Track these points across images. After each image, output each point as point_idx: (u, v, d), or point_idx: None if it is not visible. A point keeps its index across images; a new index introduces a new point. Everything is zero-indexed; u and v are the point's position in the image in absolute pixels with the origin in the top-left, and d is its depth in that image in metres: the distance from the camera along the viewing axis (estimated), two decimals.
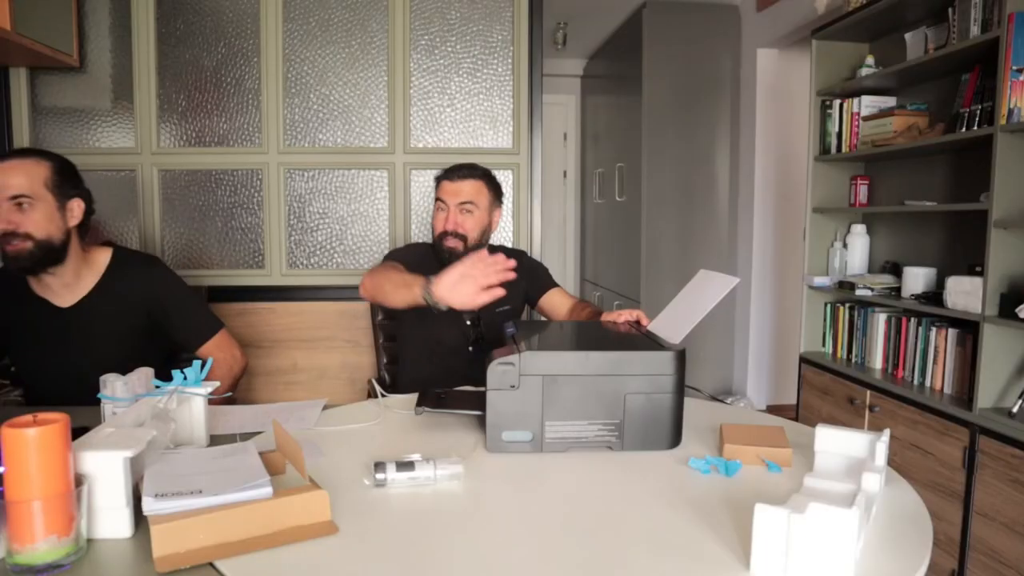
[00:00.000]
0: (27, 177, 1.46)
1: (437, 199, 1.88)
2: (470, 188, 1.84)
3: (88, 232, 1.61)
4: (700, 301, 1.27)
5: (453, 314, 1.47)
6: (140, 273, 1.64)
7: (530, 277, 1.99)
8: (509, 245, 2.65)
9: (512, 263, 1.34)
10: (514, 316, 1.92)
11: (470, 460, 1.07)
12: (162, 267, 1.70)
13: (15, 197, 1.45)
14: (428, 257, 1.89)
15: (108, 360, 1.39)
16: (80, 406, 1.28)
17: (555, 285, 2.01)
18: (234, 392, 1.75)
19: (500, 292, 1.33)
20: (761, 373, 4.08)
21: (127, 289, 1.61)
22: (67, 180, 1.52)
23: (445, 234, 1.83)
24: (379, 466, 0.97)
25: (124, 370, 1.15)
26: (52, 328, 1.58)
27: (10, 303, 1.59)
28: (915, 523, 0.88)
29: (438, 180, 1.90)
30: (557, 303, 1.96)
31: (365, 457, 1.08)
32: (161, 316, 1.65)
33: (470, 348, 1.69)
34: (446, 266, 1.63)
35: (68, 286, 1.57)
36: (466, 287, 1.32)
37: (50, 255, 1.49)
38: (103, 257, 1.62)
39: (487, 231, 1.90)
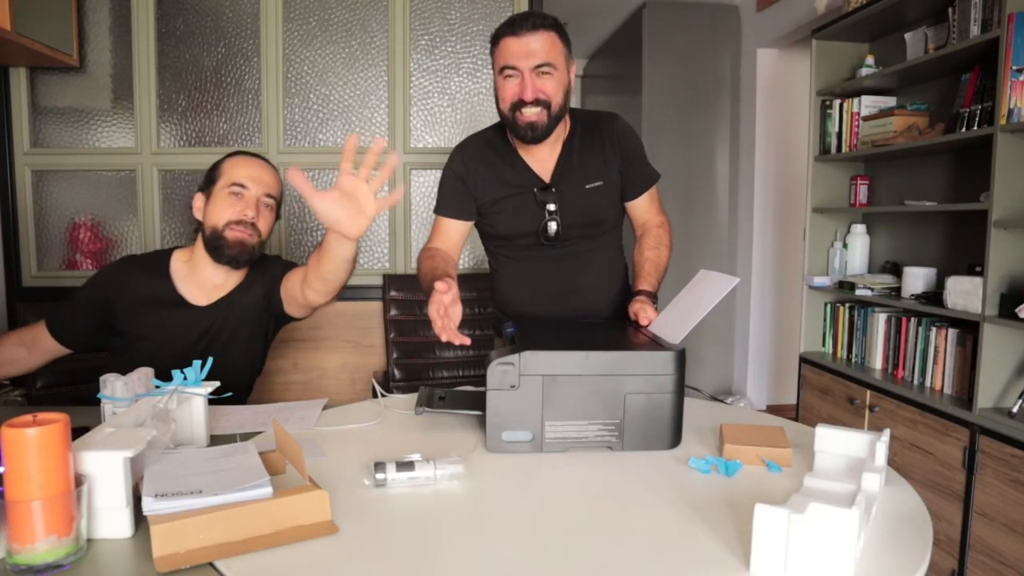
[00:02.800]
0: (275, 179, 1.58)
1: (502, 67, 1.45)
2: (543, 44, 1.42)
3: None
4: (700, 301, 1.26)
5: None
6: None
7: (631, 156, 1.60)
8: None
9: (467, 340, 1.19)
10: (606, 194, 1.59)
11: (470, 460, 1.07)
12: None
13: (268, 196, 1.55)
14: (491, 148, 1.59)
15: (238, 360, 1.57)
16: (81, 406, 1.28)
17: (654, 180, 1.64)
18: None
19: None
20: (761, 373, 4.08)
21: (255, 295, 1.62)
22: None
23: (521, 104, 1.44)
24: (379, 466, 0.97)
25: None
26: (189, 326, 1.56)
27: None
28: (915, 523, 0.88)
29: (496, 39, 1.47)
30: (638, 212, 1.65)
31: (365, 457, 1.08)
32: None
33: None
34: (532, 142, 1.49)
35: (218, 288, 1.57)
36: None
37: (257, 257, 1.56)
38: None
39: (569, 95, 1.51)
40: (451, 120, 2.67)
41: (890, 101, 2.69)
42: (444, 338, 1.20)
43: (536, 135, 1.47)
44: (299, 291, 1.53)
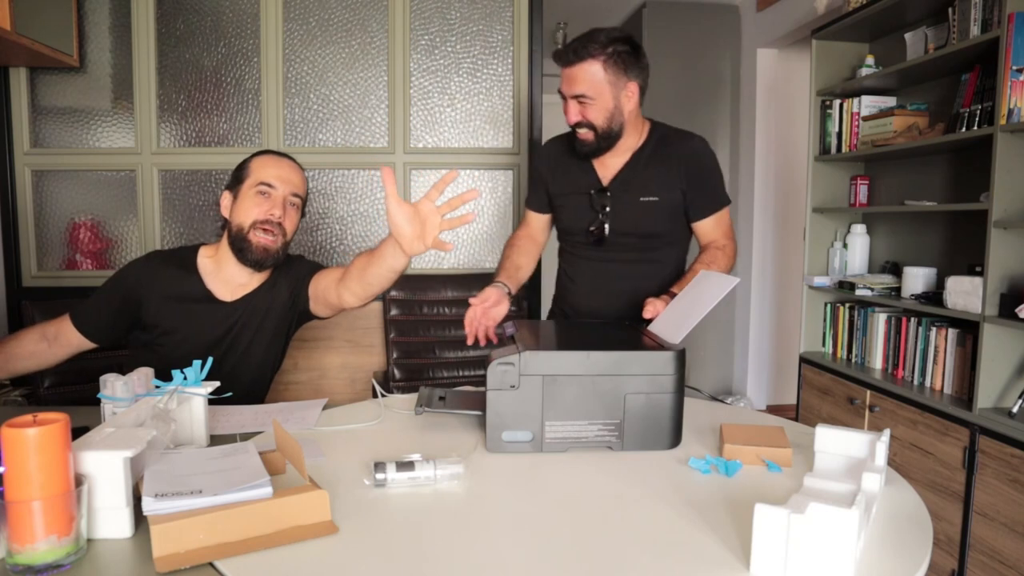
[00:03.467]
0: (302, 178, 1.59)
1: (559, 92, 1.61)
2: (582, 75, 1.55)
3: None
4: (700, 301, 1.26)
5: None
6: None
7: (698, 179, 1.65)
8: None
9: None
10: (660, 212, 1.65)
11: (470, 460, 1.07)
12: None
13: (294, 195, 1.56)
14: (570, 148, 1.69)
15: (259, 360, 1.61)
16: (82, 406, 1.28)
17: (724, 205, 1.68)
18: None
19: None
20: (761, 373, 4.08)
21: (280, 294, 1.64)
22: None
23: (575, 125, 1.61)
24: (379, 466, 0.97)
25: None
26: (216, 321, 1.57)
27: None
28: (915, 523, 0.88)
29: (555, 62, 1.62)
30: (702, 233, 1.70)
31: (365, 457, 1.08)
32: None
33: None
34: (584, 157, 1.67)
35: (243, 285, 1.59)
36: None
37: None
38: None
39: (617, 115, 1.59)
40: (451, 120, 2.67)
41: (890, 101, 2.69)
42: (469, 341, 1.51)
43: (585, 151, 1.63)
44: (333, 291, 1.56)
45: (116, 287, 1.54)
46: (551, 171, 1.76)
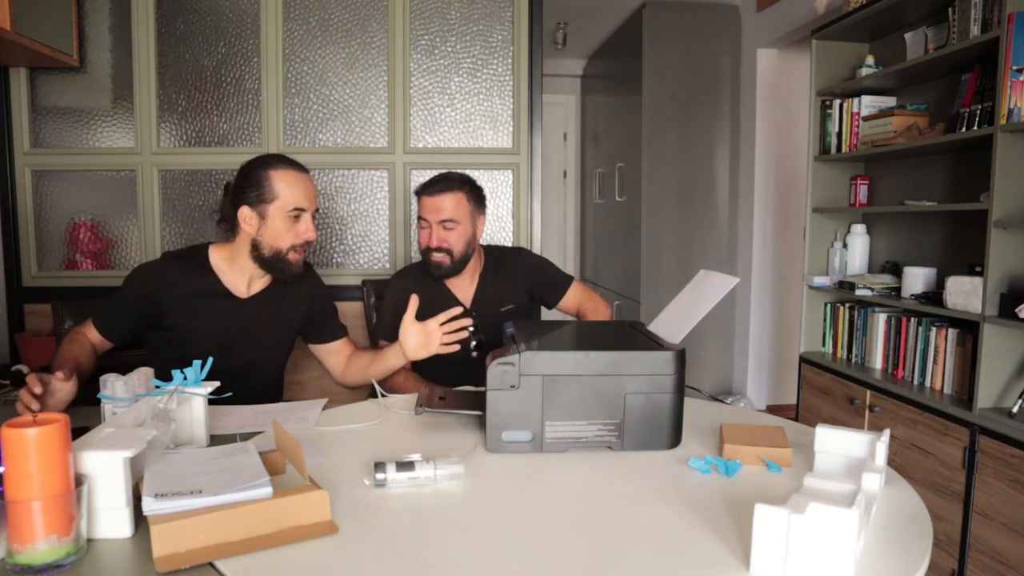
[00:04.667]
0: (316, 188, 1.65)
1: (420, 216, 1.84)
2: (450, 203, 1.80)
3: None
4: (700, 301, 1.27)
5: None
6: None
7: (537, 279, 1.99)
8: (510, 243, 2.65)
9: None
10: (517, 315, 1.92)
11: (470, 460, 1.07)
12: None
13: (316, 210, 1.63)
14: (426, 276, 1.87)
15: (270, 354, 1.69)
16: (80, 406, 1.28)
17: (569, 283, 2.01)
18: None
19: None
20: (761, 373, 4.08)
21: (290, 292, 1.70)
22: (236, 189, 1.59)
23: (430, 250, 1.82)
24: (379, 466, 0.97)
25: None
26: (235, 316, 1.63)
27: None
28: (915, 523, 0.88)
29: (417, 195, 1.86)
30: (569, 306, 2.01)
31: (365, 457, 1.08)
32: (311, 317, 1.74)
33: (473, 354, 1.68)
34: (438, 279, 1.86)
35: (257, 280, 1.65)
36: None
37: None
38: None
39: (472, 242, 1.86)
40: (451, 120, 2.67)
41: (890, 101, 2.69)
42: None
43: (441, 273, 1.84)
44: (338, 370, 1.76)
45: (136, 290, 1.57)
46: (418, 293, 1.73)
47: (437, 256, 1.81)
